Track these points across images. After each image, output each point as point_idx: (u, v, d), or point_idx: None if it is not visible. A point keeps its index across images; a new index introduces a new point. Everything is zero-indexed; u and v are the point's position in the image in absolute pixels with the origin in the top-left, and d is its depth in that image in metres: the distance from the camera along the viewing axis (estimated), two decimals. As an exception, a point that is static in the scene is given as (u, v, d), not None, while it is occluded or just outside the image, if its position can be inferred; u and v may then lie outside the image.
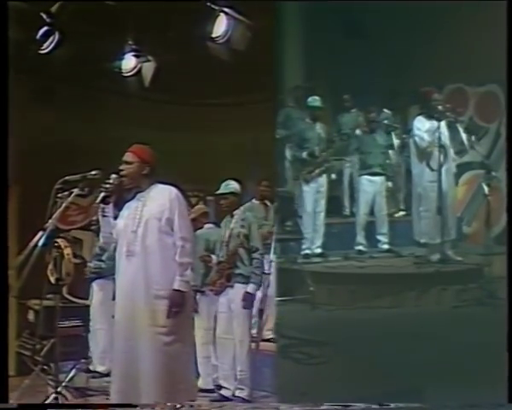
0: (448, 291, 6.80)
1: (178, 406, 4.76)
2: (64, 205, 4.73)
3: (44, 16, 6.18)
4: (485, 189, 7.03)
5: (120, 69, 6.88)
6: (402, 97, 8.55)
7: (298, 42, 8.90)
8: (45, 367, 5.79)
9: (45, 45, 6.28)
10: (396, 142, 8.33)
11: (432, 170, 7.20)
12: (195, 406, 5.00)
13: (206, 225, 6.86)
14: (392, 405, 5.02)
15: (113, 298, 4.91)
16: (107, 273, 6.61)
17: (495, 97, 7.97)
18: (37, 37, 6.27)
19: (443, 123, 7.29)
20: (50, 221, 4.64)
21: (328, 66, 8.83)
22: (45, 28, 6.24)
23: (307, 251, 7.80)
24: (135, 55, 6.75)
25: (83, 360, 6.57)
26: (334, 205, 8.46)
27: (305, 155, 7.86)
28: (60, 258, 6.01)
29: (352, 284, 6.95)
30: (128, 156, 4.63)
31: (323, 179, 7.97)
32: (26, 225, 6.29)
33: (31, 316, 5.52)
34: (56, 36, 6.24)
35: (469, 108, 8.50)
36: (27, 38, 6.30)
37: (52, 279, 5.99)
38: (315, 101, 8.03)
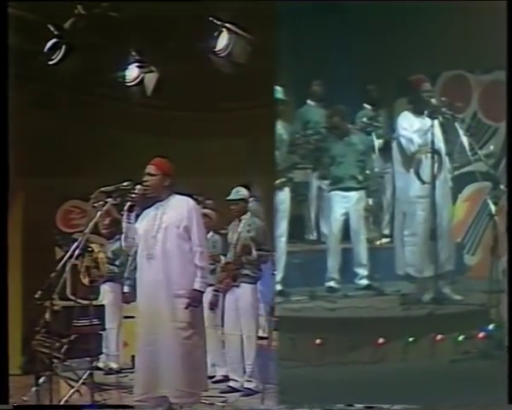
0: (444, 340, 6.72)
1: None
2: (99, 214, 6.32)
3: (52, 28, 7.73)
4: (492, 207, 6.97)
5: (124, 79, 8.58)
6: (386, 88, 8.60)
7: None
8: (65, 364, 7.29)
9: (53, 56, 7.84)
10: (377, 146, 8.36)
11: (423, 182, 7.10)
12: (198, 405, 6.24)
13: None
14: (393, 406, 5.95)
15: (122, 300, 8.81)
16: (118, 277, 9.00)
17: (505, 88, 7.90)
18: (46, 49, 7.84)
19: (437, 121, 7.21)
20: (85, 231, 6.33)
21: (294, 48, 8.74)
22: (53, 40, 7.79)
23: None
24: (138, 66, 8.42)
25: (98, 357, 8.33)
26: (297, 228, 8.38)
27: None
28: (93, 261, 7.94)
29: (321, 331, 6.79)
30: (151, 169, 6.06)
31: (284, 194, 7.86)
32: (26, 228, 9.52)
33: (47, 316, 6.45)
34: (63, 48, 7.80)
35: (472, 102, 8.55)
36: (37, 49, 7.95)
37: (86, 282, 7.99)
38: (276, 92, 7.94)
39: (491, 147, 8.16)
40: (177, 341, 5.88)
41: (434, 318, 6.82)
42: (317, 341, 6.70)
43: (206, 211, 8.22)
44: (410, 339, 6.68)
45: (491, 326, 6.71)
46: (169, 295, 5.92)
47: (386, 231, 8.53)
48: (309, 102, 8.92)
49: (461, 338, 6.70)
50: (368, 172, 7.97)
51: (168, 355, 5.87)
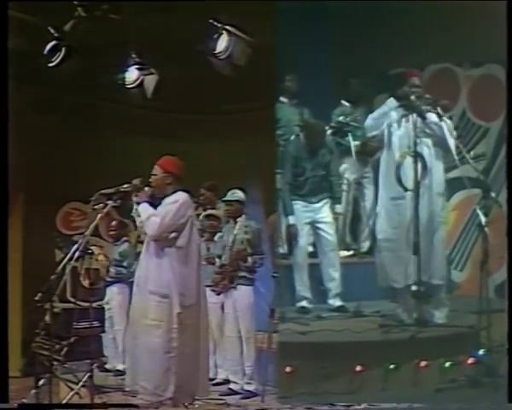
0: (429, 367, 6.66)
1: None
2: (99, 216, 6.75)
3: (53, 31, 8.35)
4: (482, 218, 6.86)
5: (124, 81, 9.23)
6: (365, 83, 8.60)
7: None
8: (65, 366, 7.74)
9: (53, 58, 8.48)
10: (353, 148, 8.39)
11: (405, 189, 7.02)
12: (202, 405, 6.84)
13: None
14: (393, 405, 6.31)
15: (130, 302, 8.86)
16: (126, 278, 9.44)
17: (497, 83, 7.90)
18: (46, 51, 8.47)
19: (420, 120, 7.14)
20: (85, 233, 6.81)
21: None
22: (53, 42, 8.42)
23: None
24: (138, 68, 9.05)
25: (100, 360, 9.29)
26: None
27: None
28: (93, 263, 8.46)
29: (291, 358, 6.74)
30: (155, 169, 6.64)
31: None
32: (26, 229, 10.18)
33: (47, 318, 6.78)
34: (63, 50, 8.44)
35: (460, 99, 8.57)
36: (37, 51, 8.55)
37: (86, 284, 8.79)
38: None
39: (482, 150, 8.16)
40: (148, 338, 6.32)
41: (418, 341, 6.75)
42: (288, 369, 6.63)
43: (214, 212, 8.72)
44: (391, 366, 6.62)
45: (481, 351, 6.65)
46: (144, 291, 6.42)
47: (365, 244, 8.57)
48: (282, 99, 8.83)
49: (447, 365, 6.65)
50: (340, 177, 8.12)
51: (141, 351, 6.38)
